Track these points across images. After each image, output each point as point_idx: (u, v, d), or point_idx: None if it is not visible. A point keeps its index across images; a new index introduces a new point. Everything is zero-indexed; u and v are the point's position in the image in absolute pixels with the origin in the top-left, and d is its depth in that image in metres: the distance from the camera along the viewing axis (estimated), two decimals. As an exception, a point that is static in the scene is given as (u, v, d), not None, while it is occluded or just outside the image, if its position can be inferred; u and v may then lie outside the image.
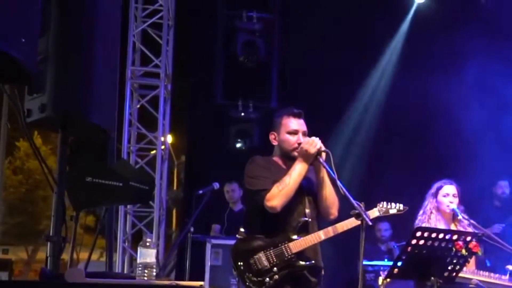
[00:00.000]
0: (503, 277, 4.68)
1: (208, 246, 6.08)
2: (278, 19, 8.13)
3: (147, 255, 2.78)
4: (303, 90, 7.93)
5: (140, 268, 2.75)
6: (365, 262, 6.61)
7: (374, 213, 3.98)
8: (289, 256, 3.81)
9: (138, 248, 2.86)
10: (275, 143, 4.02)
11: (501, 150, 7.72)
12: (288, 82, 8.11)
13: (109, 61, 3.03)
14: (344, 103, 8.60)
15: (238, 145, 7.98)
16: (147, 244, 2.85)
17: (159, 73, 7.89)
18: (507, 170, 7.72)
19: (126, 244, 7.65)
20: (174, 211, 9.98)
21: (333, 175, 3.72)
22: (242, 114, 8.00)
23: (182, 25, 8.15)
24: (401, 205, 4.10)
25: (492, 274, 4.67)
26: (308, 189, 3.96)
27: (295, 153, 3.87)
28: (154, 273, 2.78)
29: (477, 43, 7.70)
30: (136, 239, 7.57)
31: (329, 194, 3.89)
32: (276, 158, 4.03)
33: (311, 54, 8.03)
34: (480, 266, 4.98)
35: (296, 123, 3.94)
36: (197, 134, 8.45)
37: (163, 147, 7.85)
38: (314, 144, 3.78)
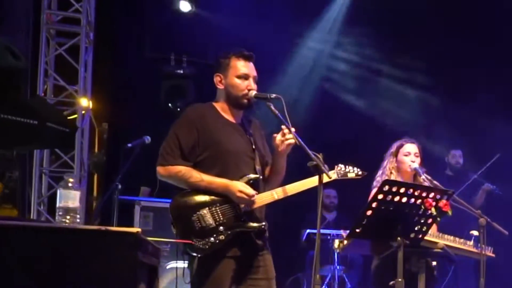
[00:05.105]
0: (468, 242, 4.49)
1: (137, 208, 5.41)
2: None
3: (69, 197, 2.11)
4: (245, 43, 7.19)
5: (60, 213, 2.07)
6: (310, 231, 6.35)
7: (332, 175, 3.64)
8: (238, 215, 3.40)
9: (58, 190, 2.18)
10: (220, 86, 3.59)
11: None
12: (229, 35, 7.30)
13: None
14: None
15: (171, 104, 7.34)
16: (69, 184, 2.17)
17: (80, 19, 7.00)
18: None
19: (42, 207, 6.77)
20: (95, 177, 9.13)
21: (286, 123, 3.39)
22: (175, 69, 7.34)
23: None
24: (359, 170, 3.77)
25: (457, 239, 4.47)
26: (258, 146, 3.63)
27: (245, 100, 3.52)
28: (78, 220, 2.10)
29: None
30: (53, 203, 6.72)
31: (281, 168, 3.61)
32: (219, 104, 3.61)
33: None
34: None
35: (247, 67, 3.56)
36: (124, 91, 7.64)
37: (84, 103, 6.95)
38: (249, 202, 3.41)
